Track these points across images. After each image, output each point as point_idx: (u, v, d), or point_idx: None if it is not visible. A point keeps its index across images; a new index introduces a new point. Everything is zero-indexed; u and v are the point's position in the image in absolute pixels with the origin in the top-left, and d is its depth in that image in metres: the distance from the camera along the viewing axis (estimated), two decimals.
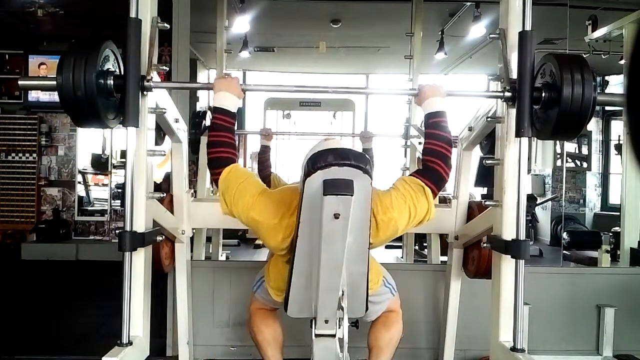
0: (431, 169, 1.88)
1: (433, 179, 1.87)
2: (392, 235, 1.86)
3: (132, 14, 1.74)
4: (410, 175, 1.93)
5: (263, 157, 3.98)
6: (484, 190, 4.47)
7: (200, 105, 6.55)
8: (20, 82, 1.86)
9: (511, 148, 1.89)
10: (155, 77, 1.88)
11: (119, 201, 6.40)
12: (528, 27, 1.79)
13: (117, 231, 6.25)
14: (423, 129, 2.03)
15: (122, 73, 1.80)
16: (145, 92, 1.84)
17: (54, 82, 1.67)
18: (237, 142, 2.14)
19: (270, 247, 1.91)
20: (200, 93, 6.57)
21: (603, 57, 4.93)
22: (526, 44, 1.75)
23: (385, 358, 2.14)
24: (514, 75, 1.81)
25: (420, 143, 3.71)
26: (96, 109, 1.69)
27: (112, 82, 1.75)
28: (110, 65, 1.78)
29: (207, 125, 3.82)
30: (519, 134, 1.78)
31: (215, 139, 1.90)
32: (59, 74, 1.66)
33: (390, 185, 1.92)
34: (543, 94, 1.76)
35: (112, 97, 1.78)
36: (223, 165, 1.87)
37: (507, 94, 1.86)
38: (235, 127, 2.01)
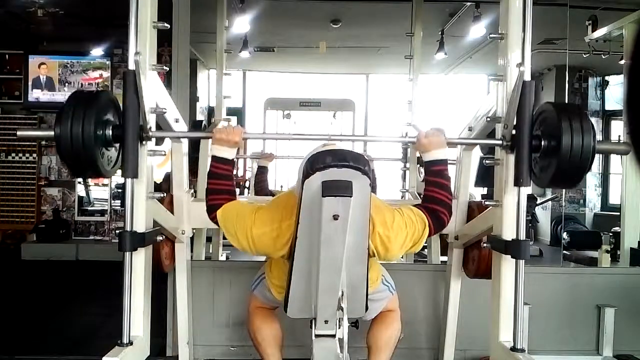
0: (436, 215, 1.91)
1: (436, 224, 1.90)
2: (385, 252, 1.86)
3: (132, 14, 1.75)
4: (418, 207, 1.93)
5: (260, 178, 3.98)
6: (484, 190, 4.47)
7: (200, 106, 6.56)
8: (19, 133, 1.87)
9: (510, 193, 1.88)
10: (153, 126, 1.89)
11: (119, 201, 6.40)
12: (528, 28, 1.79)
13: (117, 231, 6.25)
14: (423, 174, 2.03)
15: (121, 122, 1.80)
16: (144, 142, 1.85)
17: (52, 133, 1.68)
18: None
19: (275, 254, 1.91)
20: (200, 93, 6.58)
21: (603, 57, 4.94)
22: (526, 93, 1.76)
23: (385, 356, 2.15)
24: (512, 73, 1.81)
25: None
26: (94, 160, 1.70)
27: (110, 132, 1.76)
28: (110, 116, 1.79)
29: (206, 126, 3.83)
30: (517, 183, 1.81)
31: (214, 187, 1.95)
32: (58, 125, 1.66)
33: (391, 199, 1.95)
34: (542, 142, 1.78)
35: (110, 146, 1.79)
36: (217, 209, 1.91)
37: (507, 142, 1.87)
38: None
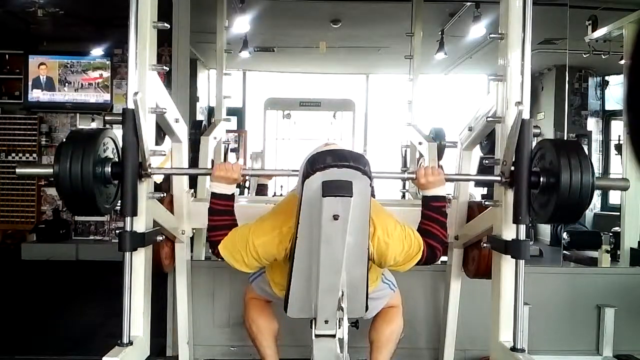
0: (432, 249, 1.91)
1: (430, 255, 1.91)
2: (379, 258, 1.86)
3: (132, 14, 1.75)
4: (419, 233, 1.93)
5: (259, 195, 4.03)
6: (484, 190, 4.47)
7: (200, 106, 6.56)
8: (17, 171, 1.87)
9: (509, 230, 1.88)
10: (153, 163, 1.90)
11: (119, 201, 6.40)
12: (528, 28, 1.79)
13: (117, 231, 6.25)
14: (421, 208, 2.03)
15: (120, 160, 1.80)
16: (143, 179, 1.85)
17: (51, 171, 1.68)
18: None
19: (278, 259, 1.91)
20: (200, 93, 6.58)
21: (603, 57, 4.94)
22: (525, 131, 1.77)
23: (387, 352, 2.16)
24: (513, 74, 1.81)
25: (420, 143, 3.72)
26: (93, 198, 1.70)
27: (109, 169, 1.77)
28: (109, 153, 1.80)
29: (206, 126, 3.83)
30: (516, 220, 1.81)
31: (215, 223, 1.94)
32: (57, 163, 1.67)
33: (391, 199, 1.95)
34: (541, 179, 1.79)
35: (109, 184, 1.80)
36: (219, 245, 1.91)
37: (505, 178, 1.88)
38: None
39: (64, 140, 1.74)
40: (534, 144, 1.83)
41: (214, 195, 1.96)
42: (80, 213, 1.82)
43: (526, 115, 1.77)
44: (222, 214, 1.94)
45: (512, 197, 1.83)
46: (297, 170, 1.76)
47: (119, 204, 1.81)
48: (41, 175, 1.89)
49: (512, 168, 1.84)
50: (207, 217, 1.96)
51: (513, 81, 1.89)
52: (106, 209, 1.81)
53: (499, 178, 1.92)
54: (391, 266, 1.92)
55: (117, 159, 1.83)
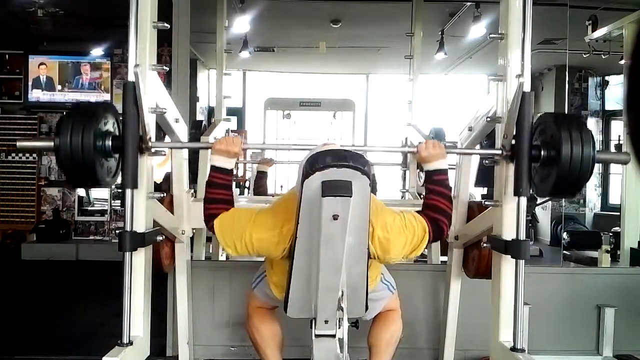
0: (437, 224, 1.90)
1: (436, 231, 1.90)
2: (384, 255, 1.85)
3: (132, 14, 1.75)
4: (420, 214, 1.92)
5: (260, 183, 3.99)
6: (484, 190, 4.47)
7: (200, 106, 6.56)
8: (18, 144, 1.88)
9: (509, 212, 1.88)
10: (153, 136, 1.90)
11: (119, 201, 6.40)
12: (528, 28, 1.79)
13: (117, 231, 6.25)
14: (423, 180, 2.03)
15: (121, 133, 1.80)
16: (144, 153, 1.85)
17: (52, 144, 1.68)
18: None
19: (273, 257, 1.91)
20: (200, 93, 6.58)
21: (603, 57, 4.94)
22: (525, 104, 1.77)
23: (386, 357, 2.15)
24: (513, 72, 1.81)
25: (420, 143, 3.71)
26: (94, 171, 1.70)
27: (110, 143, 1.76)
28: (110, 127, 1.79)
29: (206, 126, 3.83)
30: (517, 193, 1.81)
31: (213, 196, 1.94)
32: (57, 135, 1.66)
33: (391, 199, 1.95)
34: (542, 153, 1.78)
35: (110, 157, 1.80)
36: (215, 219, 1.90)
37: (506, 152, 1.87)
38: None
39: (65, 113, 1.74)
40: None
41: (213, 168, 1.96)
42: (82, 185, 1.84)
43: (527, 87, 1.76)
44: (220, 187, 1.94)
45: (513, 172, 1.82)
46: (298, 145, 1.76)
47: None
48: (42, 148, 1.90)
49: (513, 142, 1.83)
50: (205, 189, 1.96)
51: (513, 81, 1.88)
52: (107, 182, 1.81)
53: (499, 152, 1.91)
54: (402, 258, 1.91)
55: (117, 134, 1.82)
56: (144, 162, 1.86)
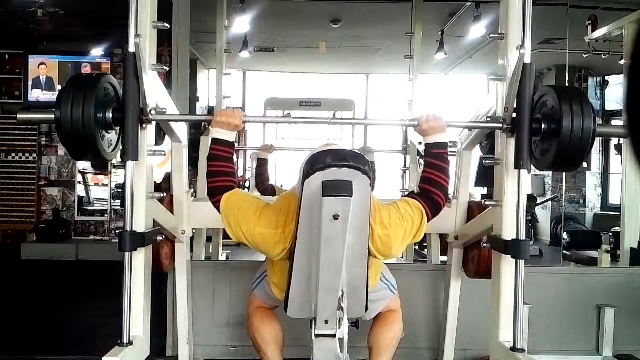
0: (432, 199, 1.91)
1: (432, 208, 1.90)
2: (387, 251, 1.86)
3: (132, 14, 1.75)
4: (412, 197, 1.93)
5: (261, 171, 3.97)
6: (484, 190, 4.47)
7: (200, 106, 6.56)
8: (19, 116, 1.87)
9: (510, 181, 1.88)
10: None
11: (119, 201, 6.41)
12: (528, 28, 1.79)
13: (117, 231, 6.25)
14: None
15: (122, 106, 1.79)
16: (144, 125, 1.84)
17: (52, 116, 1.67)
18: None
19: (272, 256, 1.91)
20: (200, 93, 6.58)
21: (603, 57, 4.93)
22: (526, 76, 1.76)
23: (386, 358, 2.14)
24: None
25: (420, 143, 3.71)
26: (95, 143, 1.70)
27: (111, 115, 1.76)
28: (110, 99, 1.79)
29: (206, 126, 3.83)
30: (517, 165, 1.80)
31: (215, 169, 1.93)
32: (58, 108, 1.66)
33: (390, 199, 1.95)
34: (543, 126, 1.78)
35: (111, 130, 1.79)
36: (222, 193, 1.89)
37: (507, 125, 1.87)
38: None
39: (65, 85, 1.73)
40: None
41: (214, 141, 1.95)
42: (82, 158, 1.83)
43: (528, 59, 1.76)
44: (222, 159, 1.93)
45: (514, 147, 1.82)
46: (300, 118, 1.75)
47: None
48: (43, 120, 1.88)
49: (514, 115, 1.83)
50: (207, 163, 1.95)
51: (514, 53, 1.87)
52: (108, 155, 1.80)
53: (500, 125, 1.91)
54: (405, 246, 1.91)
55: (118, 106, 1.81)
56: (144, 134, 1.86)
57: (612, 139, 6.41)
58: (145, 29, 1.86)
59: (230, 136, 1.96)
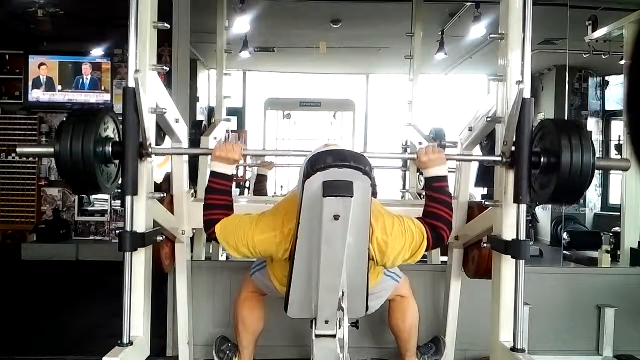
0: (437, 232, 1.90)
1: (435, 239, 1.90)
2: (381, 257, 1.86)
3: (132, 14, 1.75)
4: (420, 220, 1.92)
5: (259, 187, 3.99)
6: (484, 190, 4.47)
7: (200, 106, 6.56)
8: (18, 150, 1.89)
9: (509, 212, 1.88)
10: (153, 142, 1.90)
11: (119, 201, 6.40)
12: (528, 28, 1.79)
13: (117, 231, 6.25)
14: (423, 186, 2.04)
15: (121, 139, 1.80)
16: (143, 159, 1.85)
17: (52, 150, 1.68)
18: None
19: (278, 258, 1.92)
20: (200, 93, 6.58)
21: (603, 57, 4.93)
22: (525, 110, 1.76)
23: (412, 342, 2.31)
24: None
25: (420, 143, 3.71)
26: (94, 177, 1.70)
27: (110, 149, 1.77)
28: (110, 132, 1.80)
29: (206, 126, 3.84)
30: (516, 200, 1.81)
31: (212, 201, 1.95)
32: (57, 141, 1.67)
33: (390, 200, 1.95)
34: (542, 159, 1.79)
35: (110, 163, 1.80)
36: (215, 224, 1.91)
37: (506, 159, 1.87)
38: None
39: (65, 119, 1.74)
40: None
41: (213, 174, 1.97)
42: (82, 192, 1.85)
43: (527, 94, 1.76)
44: (220, 193, 1.95)
45: (513, 179, 1.82)
46: (298, 151, 1.77)
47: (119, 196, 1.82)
48: (42, 154, 1.91)
49: (513, 148, 1.83)
50: (205, 195, 1.97)
51: (513, 81, 1.88)
52: (107, 188, 1.81)
53: (499, 158, 1.91)
54: (401, 263, 1.92)
55: (117, 139, 1.83)
56: (144, 167, 1.87)
57: (612, 139, 6.44)
58: (145, 29, 1.86)
59: (229, 169, 1.98)
